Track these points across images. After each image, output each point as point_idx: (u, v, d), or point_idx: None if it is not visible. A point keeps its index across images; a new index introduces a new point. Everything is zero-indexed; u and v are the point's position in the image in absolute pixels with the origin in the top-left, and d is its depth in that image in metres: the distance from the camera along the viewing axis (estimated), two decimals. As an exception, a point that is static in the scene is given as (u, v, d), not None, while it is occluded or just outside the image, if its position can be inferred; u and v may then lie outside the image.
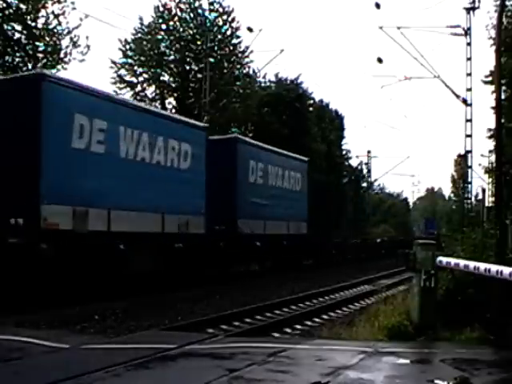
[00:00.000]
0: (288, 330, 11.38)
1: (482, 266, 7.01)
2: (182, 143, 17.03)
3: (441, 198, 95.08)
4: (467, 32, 24.49)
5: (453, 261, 7.95)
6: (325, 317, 13.13)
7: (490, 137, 24.81)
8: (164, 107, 32.51)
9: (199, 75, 30.17)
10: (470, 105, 24.17)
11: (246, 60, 32.79)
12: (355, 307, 14.81)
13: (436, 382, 5.63)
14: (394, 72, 34.20)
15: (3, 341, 7.44)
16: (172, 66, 31.91)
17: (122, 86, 31.45)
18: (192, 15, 31.65)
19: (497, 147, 9.99)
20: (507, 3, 21.08)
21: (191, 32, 31.61)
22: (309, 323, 12.31)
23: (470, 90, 24.25)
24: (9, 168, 12.38)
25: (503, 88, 18.74)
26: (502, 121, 11.29)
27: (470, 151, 24.67)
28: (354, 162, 53.86)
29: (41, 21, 21.55)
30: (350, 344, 7.80)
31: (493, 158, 25.91)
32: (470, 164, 25.41)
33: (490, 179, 28.92)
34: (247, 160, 21.38)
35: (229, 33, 32.36)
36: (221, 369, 5.94)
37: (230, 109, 31.34)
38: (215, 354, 6.86)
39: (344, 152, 49.50)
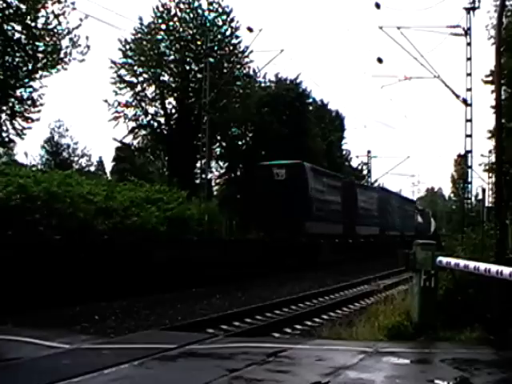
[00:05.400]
0: (288, 330, 11.38)
1: (482, 265, 7.00)
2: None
3: (441, 198, 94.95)
4: (467, 32, 24.43)
5: (453, 261, 7.94)
6: (325, 317, 13.13)
7: (490, 137, 24.79)
8: (164, 107, 32.49)
9: (199, 75, 30.09)
10: (470, 105, 24.13)
11: (246, 60, 32.72)
12: (355, 307, 14.80)
13: (436, 382, 5.63)
14: (394, 72, 34.05)
15: (3, 341, 7.43)
16: (172, 65, 31.85)
17: (122, 85, 31.39)
18: (192, 15, 31.62)
19: (497, 147, 9.96)
20: (507, 3, 21.07)
21: (191, 32, 31.55)
22: (309, 323, 12.30)
23: (470, 90, 24.20)
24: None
25: (503, 88, 18.71)
26: (502, 121, 11.26)
27: (470, 151, 24.62)
28: (354, 163, 53.89)
29: (41, 21, 21.48)
30: (350, 344, 7.79)
31: (493, 158, 25.87)
32: (470, 164, 25.39)
33: (490, 179, 28.91)
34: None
35: (228, 33, 32.32)
36: (221, 369, 5.93)
37: (230, 109, 31.30)
38: (215, 354, 6.86)
39: (344, 152, 49.49)
